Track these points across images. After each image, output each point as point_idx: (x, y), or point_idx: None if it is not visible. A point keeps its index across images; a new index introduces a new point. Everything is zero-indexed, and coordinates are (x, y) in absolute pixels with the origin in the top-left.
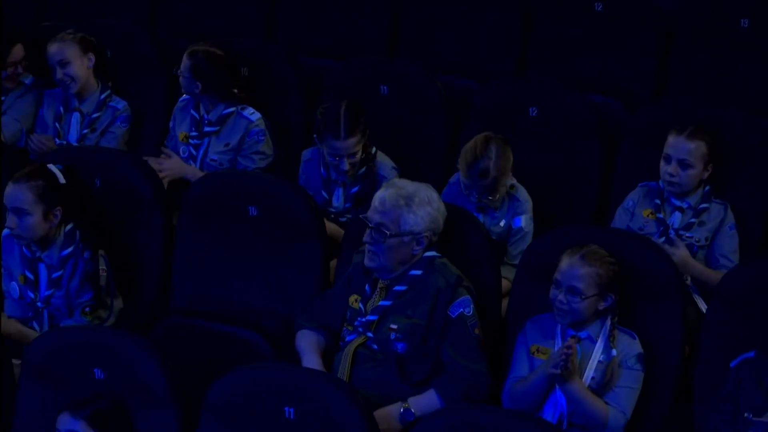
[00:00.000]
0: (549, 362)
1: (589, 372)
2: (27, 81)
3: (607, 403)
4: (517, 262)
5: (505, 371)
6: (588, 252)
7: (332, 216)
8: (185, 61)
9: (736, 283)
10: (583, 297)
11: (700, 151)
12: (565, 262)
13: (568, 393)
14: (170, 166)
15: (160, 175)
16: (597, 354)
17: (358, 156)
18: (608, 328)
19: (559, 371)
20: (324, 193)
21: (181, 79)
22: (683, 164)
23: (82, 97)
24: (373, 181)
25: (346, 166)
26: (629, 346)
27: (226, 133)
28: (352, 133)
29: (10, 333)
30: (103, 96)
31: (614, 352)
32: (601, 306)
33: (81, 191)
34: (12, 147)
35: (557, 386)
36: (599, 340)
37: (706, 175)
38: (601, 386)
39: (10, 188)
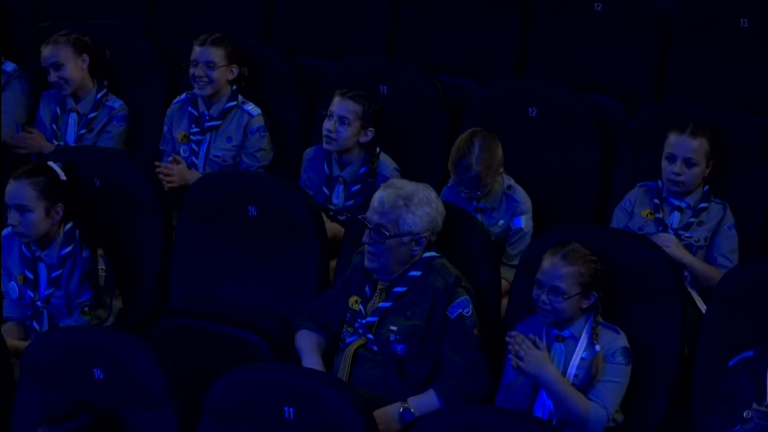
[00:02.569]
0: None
1: (572, 370)
2: (8, 69)
3: (589, 398)
4: (516, 262)
5: None
6: (569, 251)
7: (332, 213)
8: (215, 50)
9: (735, 282)
10: (565, 297)
11: (704, 148)
12: (547, 262)
13: (545, 385)
14: (177, 172)
15: (167, 179)
16: (579, 351)
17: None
18: (591, 325)
19: (513, 363)
20: (325, 189)
21: (206, 71)
22: (689, 163)
23: (78, 98)
24: (374, 180)
25: None
26: (613, 340)
27: (227, 127)
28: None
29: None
30: (99, 96)
31: (597, 347)
32: (584, 304)
33: (81, 190)
34: (10, 144)
35: (540, 384)
36: (582, 337)
37: (707, 172)
38: (586, 384)
39: (11, 185)
